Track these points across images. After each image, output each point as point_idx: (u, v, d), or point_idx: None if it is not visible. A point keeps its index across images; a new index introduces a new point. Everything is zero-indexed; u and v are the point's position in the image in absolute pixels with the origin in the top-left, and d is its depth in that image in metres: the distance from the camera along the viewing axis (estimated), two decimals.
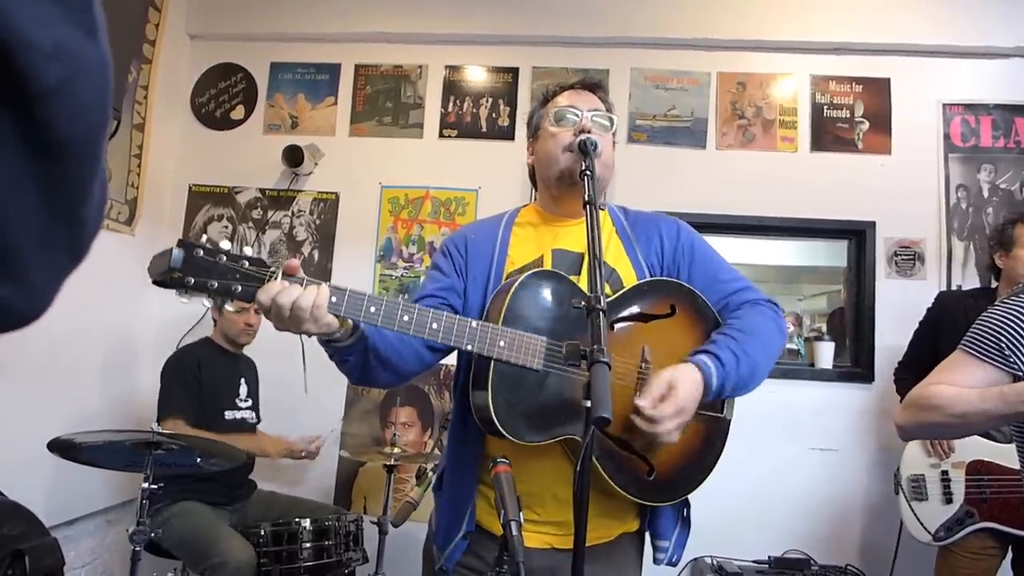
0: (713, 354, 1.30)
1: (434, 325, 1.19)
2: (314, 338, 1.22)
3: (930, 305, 2.79)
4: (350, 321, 1.21)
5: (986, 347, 1.36)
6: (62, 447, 2.11)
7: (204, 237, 1.10)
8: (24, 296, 0.39)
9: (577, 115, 1.43)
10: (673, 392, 1.22)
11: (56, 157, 0.37)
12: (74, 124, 0.36)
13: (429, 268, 1.54)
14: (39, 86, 0.34)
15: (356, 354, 1.26)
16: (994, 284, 2.70)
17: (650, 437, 1.23)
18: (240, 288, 1.09)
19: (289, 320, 1.11)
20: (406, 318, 1.17)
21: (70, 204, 0.39)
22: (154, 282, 1.07)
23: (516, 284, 1.27)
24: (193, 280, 1.06)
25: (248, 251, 1.12)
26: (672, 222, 1.53)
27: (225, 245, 1.10)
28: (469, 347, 1.20)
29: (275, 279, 1.11)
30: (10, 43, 0.32)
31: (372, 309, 1.15)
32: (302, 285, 1.11)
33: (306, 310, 1.10)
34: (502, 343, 1.21)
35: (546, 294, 1.29)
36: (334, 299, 1.13)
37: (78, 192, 0.39)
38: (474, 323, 1.21)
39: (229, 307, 1.11)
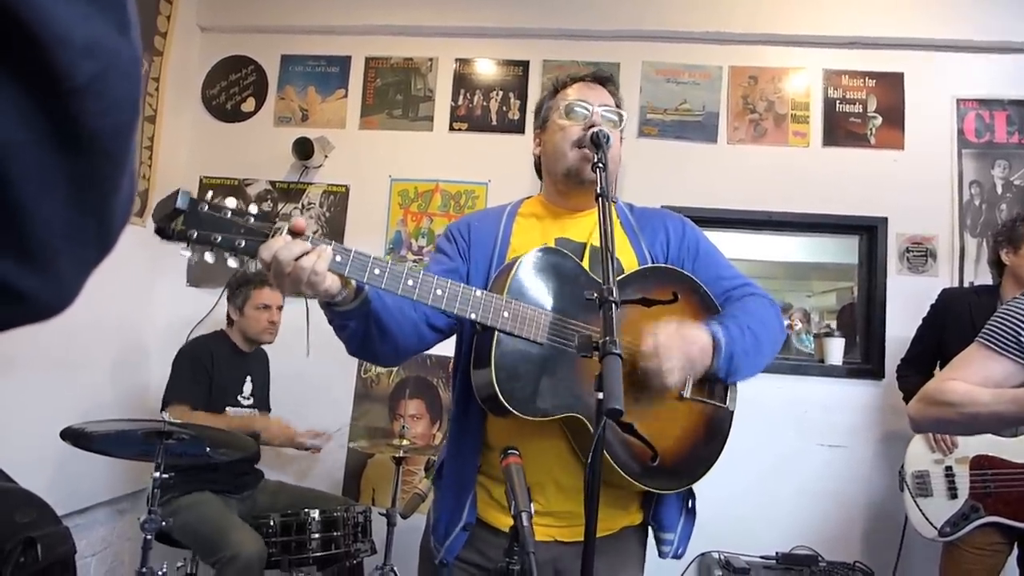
0: (720, 323, 1.33)
1: (438, 291, 1.18)
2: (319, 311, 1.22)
3: (934, 302, 2.78)
4: (354, 284, 1.19)
5: (1005, 340, 1.36)
6: (74, 436, 2.13)
7: (209, 193, 1.08)
8: (52, 288, 0.39)
9: (587, 109, 1.43)
10: (679, 330, 1.25)
11: (86, 152, 0.37)
12: (105, 120, 0.37)
13: (433, 252, 1.54)
14: (72, 83, 0.34)
15: (357, 320, 1.24)
16: (997, 281, 2.67)
17: (653, 374, 1.22)
18: (244, 243, 1.07)
19: (288, 279, 1.08)
20: (410, 283, 1.17)
21: (99, 198, 0.40)
22: (157, 230, 1.04)
23: (522, 258, 1.28)
24: (196, 233, 1.03)
25: (253, 208, 1.10)
26: (678, 219, 1.54)
27: (230, 202, 1.08)
28: (472, 315, 1.20)
29: (280, 235, 1.09)
30: (44, 39, 0.32)
31: (376, 271, 1.14)
32: (308, 243, 1.09)
33: (307, 270, 1.07)
34: (506, 314, 1.21)
35: (551, 270, 1.30)
36: (338, 259, 1.12)
37: (107, 186, 0.40)
38: (478, 292, 1.21)
39: (232, 263, 1.08)
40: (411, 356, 1.44)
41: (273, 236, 1.09)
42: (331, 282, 1.13)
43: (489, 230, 1.48)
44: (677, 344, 1.22)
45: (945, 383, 1.40)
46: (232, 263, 1.09)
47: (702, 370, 1.29)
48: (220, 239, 1.05)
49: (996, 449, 2.41)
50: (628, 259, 1.43)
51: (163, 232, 1.03)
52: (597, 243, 1.18)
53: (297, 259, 1.07)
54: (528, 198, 1.58)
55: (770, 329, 1.40)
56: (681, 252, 1.48)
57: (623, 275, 1.37)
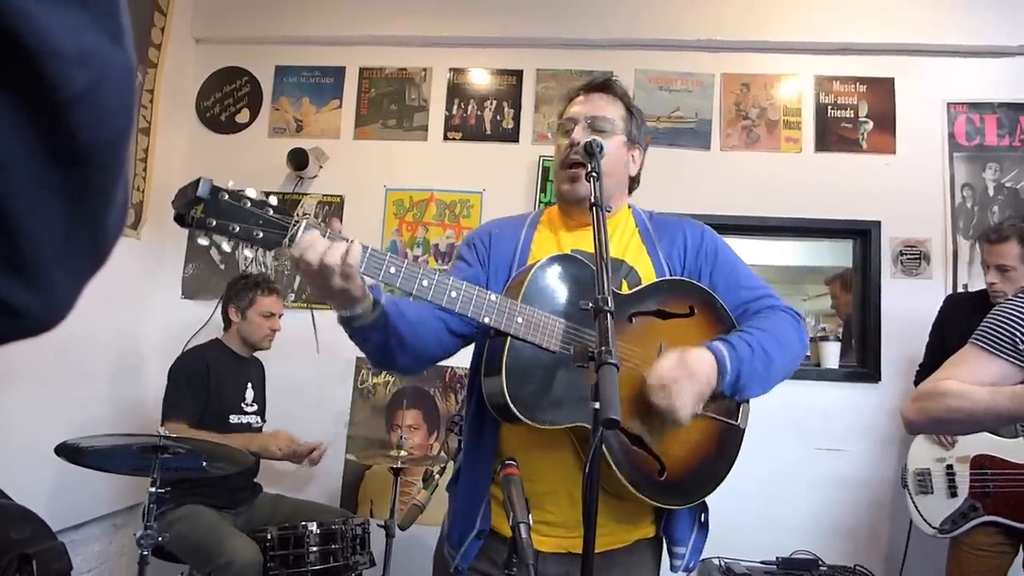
0: (726, 341, 1.30)
1: (452, 293, 1.18)
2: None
3: (940, 306, 2.80)
4: (371, 297, 1.20)
5: (999, 341, 1.36)
6: (69, 451, 2.11)
7: (230, 183, 1.08)
8: (45, 303, 0.38)
9: (571, 126, 1.45)
10: (683, 362, 1.21)
11: (80, 163, 0.36)
12: (99, 131, 0.36)
13: (455, 259, 1.55)
14: (65, 94, 0.34)
15: (377, 332, 1.24)
16: None
17: (665, 411, 1.21)
18: (262, 234, 1.07)
19: (320, 275, 1.09)
20: (425, 283, 1.17)
21: (93, 210, 0.39)
22: (176, 217, 1.04)
23: (538, 265, 1.28)
24: (215, 222, 1.03)
25: (273, 200, 1.10)
26: (697, 226, 1.53)
27: (251, 193, 1.08)
28: (486, 319, 1.19)
29: (299, 228, 1.09)
30: (37, 51, 0.32)
31: (392, 270, 1.14)
32: (330, 239, 1.10)
33: (338, 264, 1.08)
34: (520, 319, 1.20)
35: (567, 278, 1.29)
36: None
37: (101, 198, 0.39)
38: (493, 296, 1.21)
39: (248, 252, 1.09)
40: (434, 363, 1.44)
41: (292, 228, 1.09)
42: (360, 280, 1.13)
43: (510, 237, 1.48)
44: (685, 383, 1.20)
45: (940, 382, 1.39)
46: (247, 253, 1.09)
47: (709, 392, 1.27)
48: (238, 229, 1.05)
49: (997, 449, 2.42)
50: (645, 268, 1.42)
51: (182, 219, 1.04)
52: (610, 253, 1.18)
53: (325, 253, 1.08)
54: (549, 207, 1.60)
55: (785, 345, 1.36)
56: (699, 260, 1.46)
57: (640, 286, 1.36)
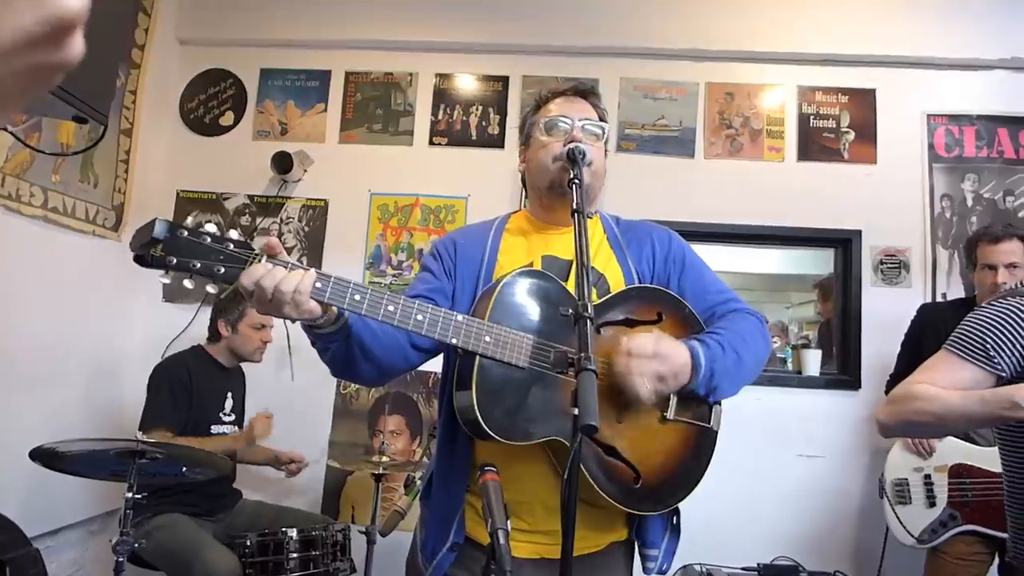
0: (699, 340, 1.31)
1: (419, 317, 1.17)
2: (301, 331, 1.22)
3: (913, 317, 2.82)
4: (335, 309, 1.19)
5: (971, 347, 1.38)
6: (44, 456, 2.07)
7: (189, 219, 1.08)
8: None
9: (567, 124, 1.43)
10: (659, 340, 1.22)
11: None
12: None
13: (419, 271, 1.52)
14: None
15: (339, 342, 1.24)
16: (972, 294, 2.73)
17: (625, 380, 1.20)
18: (223, 270, 1.07)
19: (271, 304, 1.09)
20: (391, 308, 1.16)
21: None
22: (135, 257, 1.04)
23: (504, 282, 1.27)
24: (175, 260, 1.03)
25: (233, 234, 1.10)
26: (664, 231, 1.54)
27: (210, 228, 1.08)
28: (454, 340, 1.18)
29: (259, 261, 1.09)
30: None
31: (357, 297, 1.14)
32: (286, 268, 1.10)
33: (287, 294, 1.08)
34: (487, 338, 1.19)
35: (534, 293, 1.28)
36: (319, 285, 1.11)
37: None
38: (459, 317, 1.20)
39: (211, 289, 1.09)
40: (396, 376, 1.43)
41: (252, 262, 1.09)
42: (313, 303, 1.13)
43: (476, 247, 1.47)
44: (648, 364, 1.20)
45: (913, 386, 1.41)
46: (211, 289, 1.09)
47: (677, 388, 1.27)
48: (199, 266, 1.05)
49: (974, 458, 2.44)
50: (614, 275, 1.42)
51: (142, 260, 1.03)
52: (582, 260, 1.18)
53: (278, 283, 1.08)
54: (515, 213, 1.58)
55: (753, 347, 1.38)
56: (667, 266, 1.47)
57: (608, 295, 1.36)
